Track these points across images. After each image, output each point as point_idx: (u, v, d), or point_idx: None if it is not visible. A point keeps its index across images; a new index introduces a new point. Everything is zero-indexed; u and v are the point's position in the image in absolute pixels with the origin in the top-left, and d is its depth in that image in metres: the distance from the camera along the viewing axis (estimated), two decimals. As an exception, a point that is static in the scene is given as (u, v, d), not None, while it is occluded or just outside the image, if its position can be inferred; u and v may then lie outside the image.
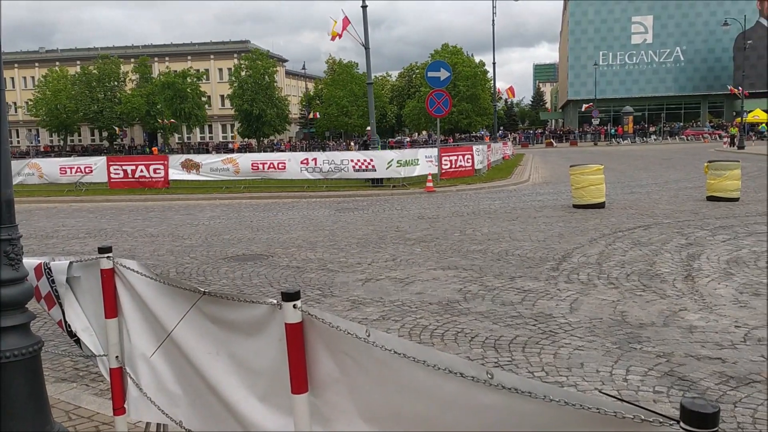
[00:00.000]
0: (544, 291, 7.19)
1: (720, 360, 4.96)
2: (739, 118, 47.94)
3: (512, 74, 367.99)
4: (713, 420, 1.22)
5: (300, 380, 2.19)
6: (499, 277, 7.95)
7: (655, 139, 65.26)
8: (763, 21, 72.02)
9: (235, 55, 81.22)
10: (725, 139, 49.81)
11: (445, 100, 22.02)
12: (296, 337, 2.17)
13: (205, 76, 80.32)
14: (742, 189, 15.27)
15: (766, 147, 38.75)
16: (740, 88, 47.15)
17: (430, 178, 20.40)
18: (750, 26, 62.08)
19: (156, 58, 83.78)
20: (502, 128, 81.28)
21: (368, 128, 25.37)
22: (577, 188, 14.48)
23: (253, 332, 2.40)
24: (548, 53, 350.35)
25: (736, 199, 14.62)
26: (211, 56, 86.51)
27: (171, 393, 2.96)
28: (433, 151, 22.93)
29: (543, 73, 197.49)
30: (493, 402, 1.59)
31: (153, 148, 68.97)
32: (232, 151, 60.53)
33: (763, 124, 51.52)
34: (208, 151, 63.44)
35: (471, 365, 1.65)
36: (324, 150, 51.52)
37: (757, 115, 58.49)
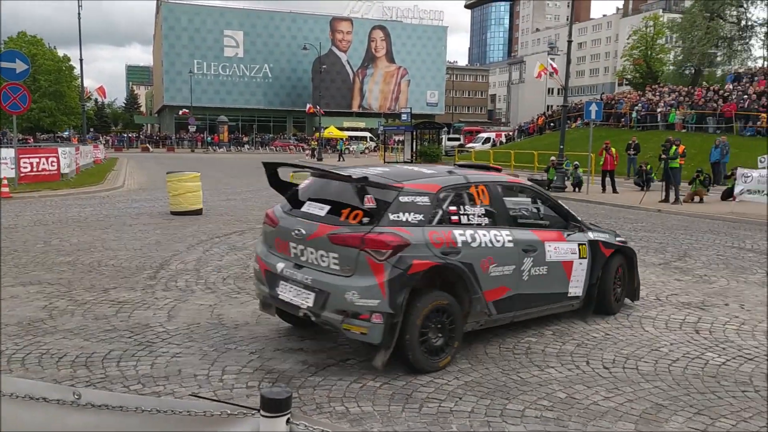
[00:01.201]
0: (141, 301, 7.02)
1: (302, 350, 5.58)
2: (318, 133, 54.13)
3: (103, 73, 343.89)
4: (286, 404, 1.42)
5: None
6: (91, 289, 7.46)
7: (248, 149, 69.16)
8: (335, 49, 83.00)
9: None
10: (308, 151, 55.76)
11: (22, 95, 19.68)
12: None
13: None
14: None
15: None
16: (318, 106, 53.32)
17: (5, 182, 17.88)
18: (325, 52, 70.70)
19: None
20: (92, 130, 76.05)
21: None
22: (175, 195, 14.46)
23: None
24: (142, 55, 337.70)
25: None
26: None
27: None
28: (10, 152, 20.34)
29: (137, 75, 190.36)
30: (84, 422, 1.53)
31: None
32: None
33: (340, 141, 59.13)
34: None
35: (55, 388, 1.56)
36: None
37: (331, 131, 66.88)
